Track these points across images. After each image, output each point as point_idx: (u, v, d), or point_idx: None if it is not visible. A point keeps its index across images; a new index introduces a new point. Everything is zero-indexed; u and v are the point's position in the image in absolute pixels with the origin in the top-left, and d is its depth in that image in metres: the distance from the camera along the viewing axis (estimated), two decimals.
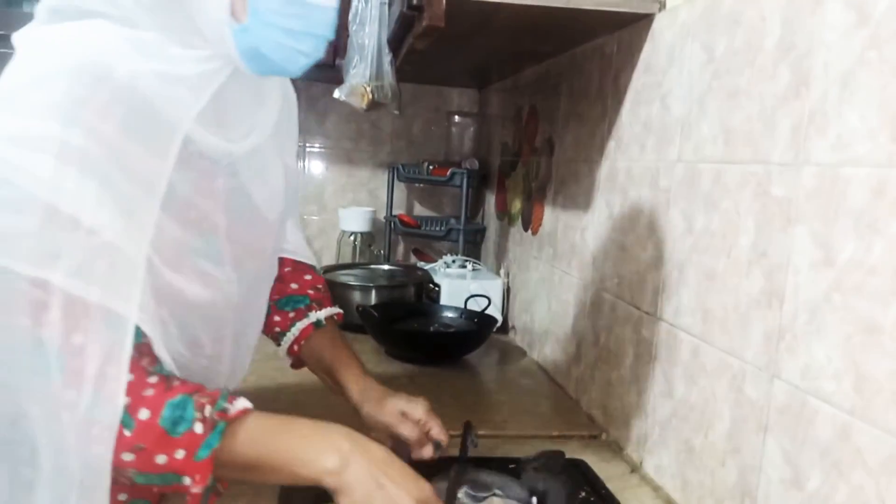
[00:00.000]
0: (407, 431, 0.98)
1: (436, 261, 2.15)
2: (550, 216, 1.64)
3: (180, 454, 0.68)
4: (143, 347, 0.72)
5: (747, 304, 0.87)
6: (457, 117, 2.42)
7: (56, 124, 0.67)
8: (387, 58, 1.47)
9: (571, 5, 1.09)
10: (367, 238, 2.33)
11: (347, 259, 2.30)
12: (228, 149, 0.80)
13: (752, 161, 0.87)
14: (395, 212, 2.37)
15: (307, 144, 2.43)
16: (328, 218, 2.45)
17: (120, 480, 0.70)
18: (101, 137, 0.68)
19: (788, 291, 0.79)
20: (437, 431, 1.00)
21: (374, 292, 1.86)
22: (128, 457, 0.68)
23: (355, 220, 2.30)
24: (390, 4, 1.42)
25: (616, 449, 1.21)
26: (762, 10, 0.86)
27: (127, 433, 0.67)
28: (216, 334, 0.84)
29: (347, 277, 1.96)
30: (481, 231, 2.31)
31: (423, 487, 0.75)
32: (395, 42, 1.41)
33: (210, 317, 0.82)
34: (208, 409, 0.70)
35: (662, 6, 1.12)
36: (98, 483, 0.67)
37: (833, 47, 0.74)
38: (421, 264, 2.22)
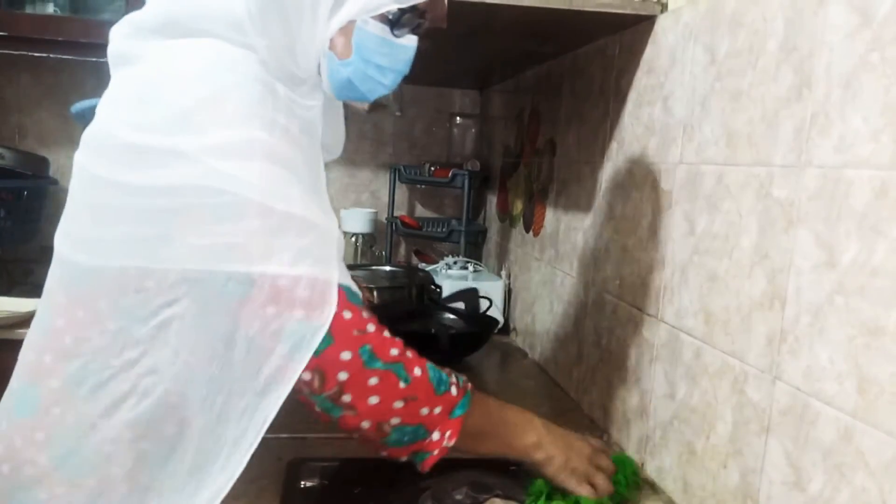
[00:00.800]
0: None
1: (437, 262, 2.15)
2: (552, 217, 1.64)
3: (438, 410, 0.83)
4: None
5: (749, 306, 0.87)
6: (458, 118, 2.42)
7: (258, 130, 0.75)
8: None
9: (573, 7, 1.09)
10: (369, 239, 2.32)
11: (349, 260, 2.30)
12: (326, 159, 0.94)
13: (755, 163, 0.86)
14: (397, 213, 2.38)
15: None
16: None
17: (367, 437, 0.82)
18: (291, 137, 0.79)
19: (791, 293, 0.79)
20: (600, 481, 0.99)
21: (375, 293, 1.86)
22: (398, 404, 0.80)
23: (357, 221, 2.30)
24: None
25: (617, 451, 1.21)
26: (765, 12, 0.86)
27: (402, 385, 0.80)
28: None
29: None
30: (483, 232, 2.31)
31: (594, 443, 0.99)
32: None
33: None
34: (454, 376, 0.87)
35: (664, 8, 1.12)
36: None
37: (836, 49, 0.74)
38: (422, 265, 2.22)
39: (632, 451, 1.17)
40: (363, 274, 2.03)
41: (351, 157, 2.45)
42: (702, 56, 1.00)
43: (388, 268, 2.14)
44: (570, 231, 1.51)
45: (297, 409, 1.22)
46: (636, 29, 1.20)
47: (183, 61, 0.78)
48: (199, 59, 0.78)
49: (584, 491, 0.92)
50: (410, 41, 0.85)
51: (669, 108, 1.09)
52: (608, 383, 1.28)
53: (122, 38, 0.81)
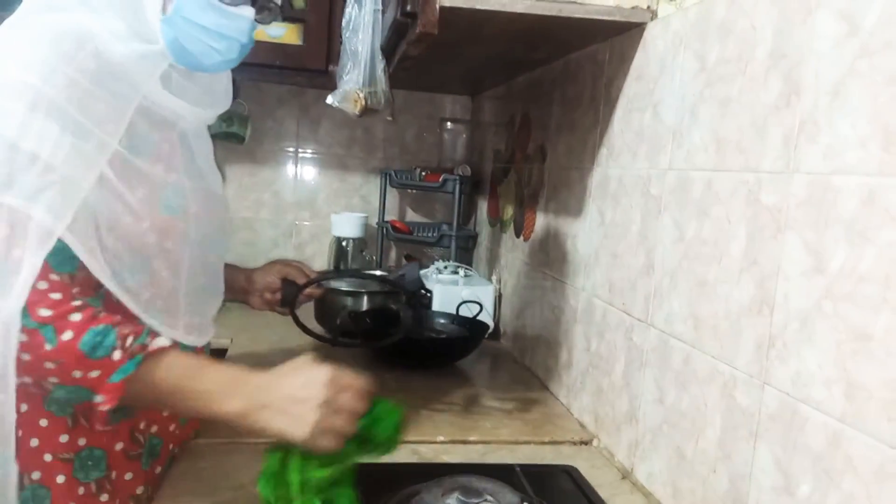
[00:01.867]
0: (293, 272, 1.38)
1: (428, 267, 2.15)
2: (542, 223, 1.64)
3: (94, 374, 0.81)
4: (78, 278, 0.86)
5: (738, 312, 0.87)
6: (449, 124, 2.42)
7: (35, 76, 0.82)
8: (380, 64, 1.47)
9: (564, 14, 1.10)
10: (360, 244, 2.32)
11: (340, 265, 2.29)
12: (185, 112, 0.98)
13: (744, 169, 0.87)
14: (388, 218, 2.37)
15: (300, 150, 2.43)
16: (320, 224, 2.45)
17: (44, 386, 0.84)
18: (75, 90, 0.84)
19: (779, 299, 0.79)
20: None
21: (365, 298, 1.85)
22: (49, 365, 0.81)
23: (347, 225, 2.29)
24: (384, 11, 1.42)
25: (607, 455, 1.22)
26: (754, 20, 0.87)
27: (48, 347, 0.80)
28: (174, 268, 0.98)
29: (339, 283, 1.95)
30: (473, 237, 2.31)
31: (311, 406, 0.81)
32: (389, 49, 1.41)
33: (167, 249, 0.96)
34: (130, 340, 0.84)
35: (654, 15, 1.13)
36: None
37: (824, 57, 0.75)
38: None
39: (621, 456, 1.17)
40: (353, 279, 2.03)
41: (342, 161, 2.45)
42: (691, 63, 1.01)
43: (378, 273, 2.14)
44: (561, 236, 1.51)
45: None
46: (626, 36, 1.21)
47: (16, 29, 0.89)
48: (27, 24, 0.88)
49: (322, 445, 0.81)
50: (245, 11, 0.94)
51: (659, 115, 1.09)
52: (598, 388, 1.28)
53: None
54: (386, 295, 1.91)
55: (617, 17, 1.12)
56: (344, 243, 2.30)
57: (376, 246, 2.36)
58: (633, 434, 1.13)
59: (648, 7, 1.12)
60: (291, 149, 2.42)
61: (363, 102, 1.48)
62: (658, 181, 1.09)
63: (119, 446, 0.97)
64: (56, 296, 0.82)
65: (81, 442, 0.94)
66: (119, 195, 0.88)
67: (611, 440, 1.22)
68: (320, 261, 2.42)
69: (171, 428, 1.07)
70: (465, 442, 1.23)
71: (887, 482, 0.64)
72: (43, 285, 0.82)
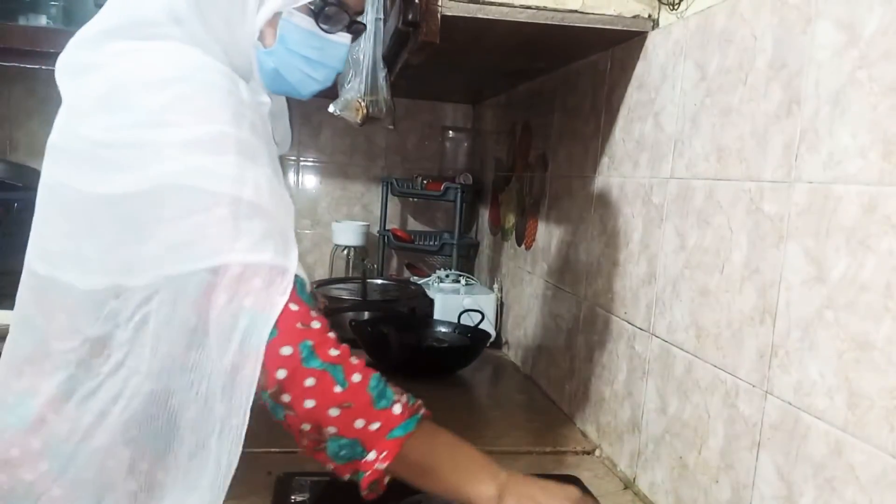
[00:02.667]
0: None
1: (429, 275, 2.15)
2: (544, 231, 1.64)
3: (375, 426, 0.75)
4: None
5: (740, 321, 0.87)
6: (451, 132, 2.43)
7: (226, 124, 0.76)
8: (382, 73, 1.47)
9: (565, 23, 1.10)
10: (361, 252, 2.32)
11: (340, 273, 2.29)
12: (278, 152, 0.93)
13: (745, 178, 0.87)
14: (389, 226, 2.38)
15: (301, 158, 2.43)
16: (322, 232, 2.45)
17: (314, 441, 0.77)
18: (257, 131, 0.80)
19: (781, 308, 0.79)
20: None
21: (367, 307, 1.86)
22: (334, 412, 0.74)
23: (349, 234, 2.30)
24: (385, 20, 1.43)
25: (610, 465, 1.21)
26: (754, 30, 0.87)
27: (338, 389, 0.74)
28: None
29: (340, 292, 1.96)
30: (475, 246, 2.31)
31: (571, 494, 0.82)
32: (391, 57, 1.42)
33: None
34: (406, 397, 0.79)
35: (655, 24, 1.13)
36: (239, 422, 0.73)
37: (824, 66, 0.75)
38: (414, 279, 2.22)
39: (624, 466, 1.17)
40: (355, 287, 2.03)
41: (343, 169, 2.46)
42: (692, 72, 1.01)
43: (379, 281, 2.14)
44: (562, 245, 1.51)
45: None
46: (627, 45, 1.21)
47: (146, 63, 0.79)
48: (163, 59, 0.79)
49: None
50: (342, 38, 0.89)
51: (660, 124, 1.09)
52: (600, 397, 1.28)
53: (74, 49, 0.82)
54: (386, 303, 1.92)
55: (618, 27, 1.13)
56: (345, 252, 2.30)
57: (377, 254, 2.36)
58: (636, 443, 1.13)
59: (649, 16, 1.12)
60: (293, 157, 2.43)
61: (365, 111, 1.49)
62: (659, 190, 1.09)
63: None
64: (333, 335, 0.77)
65: None
66: None
67: (613, 450, 1.22)
68: (322, 269, 2.42)
69: None
70: None
71: (889, 491, 0.64)
72: (317, 325, 0.76)
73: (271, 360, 0.73)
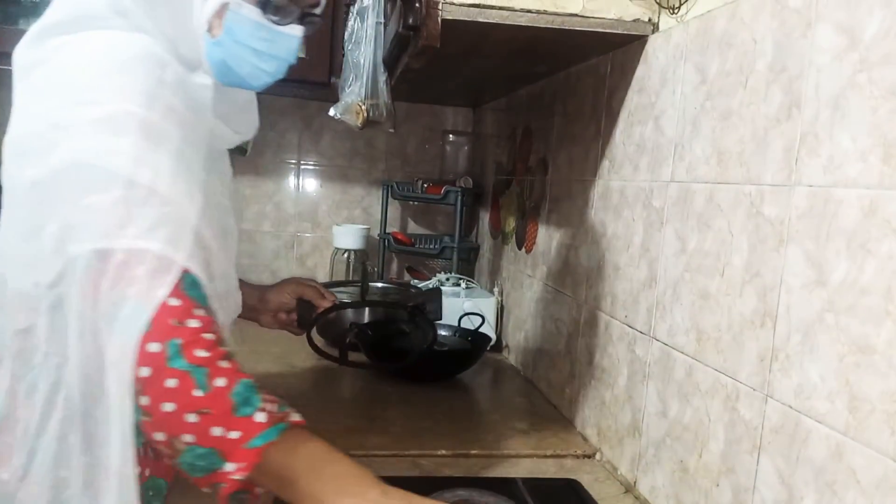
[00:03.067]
0: (310, 293, 1.34)
1: (430, 278, 2.15)
2: (544, 235, 1.64)
3: (234, 434, 0.70)
4: (215, 324, 0.76)
5: (741, 324, 0.87)
6: (451, 136, 2.43)
7: (138, 105, 0.76)
8: (382, 76, 1.47)
9: (566, 27, 1.10)
10: (361, 255, 2.32)
11: (341, 276, 2.29)
12: (232, 139, 0.95)
13: (745, 181, 0.87)
14: (389, 229, 2.38)
15: (302, 162, 2.44)
16: (322, 235, 2.45)
17: (161, 452, 0.73)
18: (175, 115, 0.79)
19: (781, 311, 0.79)
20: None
21: (367, 310, 1.85)
22: (191, 418, 0.69)
23: (349, 237, 2.30)
24: (386, 24, 1.43)
25: (610, 469, 1.21)
26: (754, 33, 0.87)
27: (198, 393, 0.69)
28: (225, 287, 0.91)
29: (341, 295, 1.95)
30: (475, 249, 2.31)
31: None
32: (391, 61, 1.42)
33: (221, 271, 0.88)
34: (274, 406, 0.73)
35: (656, 28, 1.13)
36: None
37: (824, 70, 0.75)
38: (415, 282, 2.22)
39: (624, 470, 1.17)
40: (355, 290, 2.03)
41: (344, 173, 2.46)
42: (692, 76, 1.01)
43: (380, 284, 2.14)
44: (563, 248, 1.51)
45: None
46: (627, 49, 1.21)
47: (80, 49, 0.80)
48: (89, 48, 0.80)
49: None
50: (294, 30, 0.88)
51: (660, 127, 1.10)
52: (601, 401, 1.28)
53: (23, 49, 0.83)
54: (386, 306, 1.91)
55: (618, 30, 1.13)
56: (345, 255, 2.30)
57: (378, 258, 2.36)
58: (636, 447, 1.13)
59: (650, 20, 1.13)
60: (293, 161, 2.43)
61: (365, 114, 1.49)
62: (660, 193, 1.09)
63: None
64: (209, 336, 0.73)
65: (146, 472, 0.85)
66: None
67: (613, 453, 1.22)
68: (322, 273, 2.42)
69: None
70: (466, 455, 1.23)
71: (890, 495, 0.64)
72: (195, 323, 0.72)
73: (140, 356, 0.69)
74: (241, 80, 0.88)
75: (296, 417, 0.76)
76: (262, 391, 0.74)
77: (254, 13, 0.84)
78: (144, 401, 0.69)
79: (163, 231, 0.73)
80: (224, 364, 0.72)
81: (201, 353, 0.70)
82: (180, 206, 0.76)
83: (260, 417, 0.71)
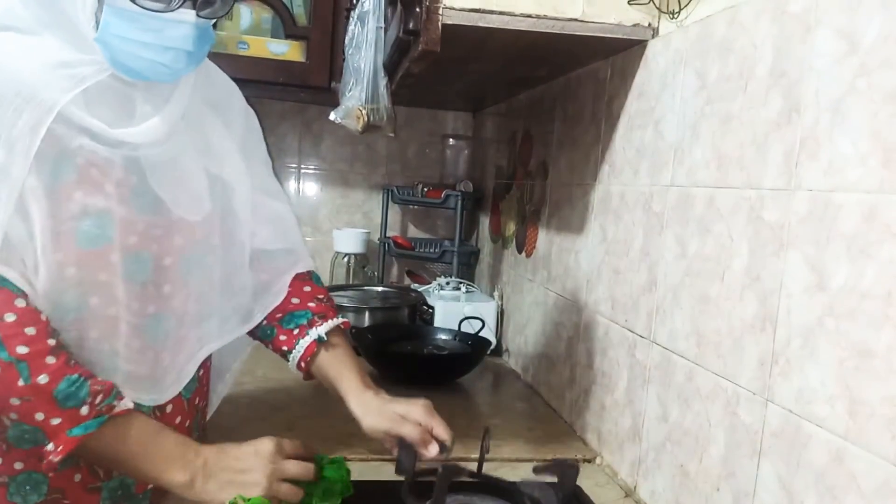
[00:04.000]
0: (407, 431, 0.98)
1: (430, 283, 2.15)
2: (544, 239, 1.65)
3: (56, 421, 0.78)
4: (36, 315, 0.81)
5: (741, 329, 0.87)
6: (451, 140, 2.43)
7: None
8: (382, 81, 1.48)
9: (566, 31, 1.10)
10: (361, 259, 2.32)
11: (341, 280, 2.29)
12: (115, 136, 0.86)
13: (745, 186, 0.87)
14: (390, 233, 2.38)
15: (302, 166, 2.44)
16: (322, 239, 2.45)
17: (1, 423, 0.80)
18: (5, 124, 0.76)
19: (782, 316, 0.79)
20: (440, 430, 1.00)
21: (367, 314, 1.85)
22: (15, 401, 0.78)
23: (349, 241, 2.30)
24: (386, 29, 1.43)
25: (610, 473, 1.21)
26: (754, 38, 0.87)
27: (21, 383, 0.77)
28: (110, 305, 0.88)
29: (341, 299, 1.95)
30: (475, 253, 2.31)
31: (262, 449, 0.87)
32: (391, 66, 1.42)
33: (100, 283, 0.87)
34: (100, 399, 0.81)
35: (655, 33, 1.13)
36: None
37: (824, 75, 0.75)
38: (415, 286, 2.22)
39: (625, 474, 1.17)
40: (355, 294, 2.03)
41: (344, 177, 2.46)
42: (692, 81, 1.01)
43: (380, 288, 2.14)
44: (563, 252, 1.51)
45: (287, 431, 1.21)
46: (627, 53, 1.21)
47: None
48: None
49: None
50: (184, 16, 0.83)
51: (660, 132, 1.10)
52: (601, 405, 1.28)
53: None
54: (386, 310, 1.92)
55: (618, 35, 1.13)
56: (346, 259, 2.30)
57: (378, 262, 2.37)
58: (637, 452, 1.13)
59: (650, 25, 1.13)
60: (294, 165, 2.43)
61: (365, 119, 1.49)
62: (660, 198, 1.09)
63: (77, 478, 0.90)
64: (31, 331, 0.79)
65: (18, 466, 0.87)
66: (27, 227, 0.81)
67: (614, 458, 1.21)
68: (322, 276, 2.42)
69: None
70: (466, 459, 1.23)
71: (890, 499, 0.64)
72: (11, 317, 0.78)
73: None
74: (141, 75, 0.85)
75: (123, 407, 0.83)
76: (92, 382, 0.81)
77: (127, 3, 0.80)
78: None
79: None
80: (49, 360, 0.79)
81: (21, 350, 0.77)
82: None
83: (83, 411, 0.79)
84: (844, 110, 0.72)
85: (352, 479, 0.95)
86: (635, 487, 1.13)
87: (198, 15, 0.84)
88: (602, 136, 1.32)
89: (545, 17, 1.08)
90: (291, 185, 2.44)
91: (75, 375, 0.80)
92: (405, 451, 0.97)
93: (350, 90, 1.50)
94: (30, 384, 0.77)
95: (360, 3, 1.53)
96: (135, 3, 0.80)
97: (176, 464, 0.84)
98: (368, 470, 1.14)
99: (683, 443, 0.99)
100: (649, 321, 1.10)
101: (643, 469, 1.11)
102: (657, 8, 1.11)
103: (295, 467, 0.89)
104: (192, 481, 0.84)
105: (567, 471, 0.95)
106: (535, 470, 0.95)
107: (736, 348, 0.88)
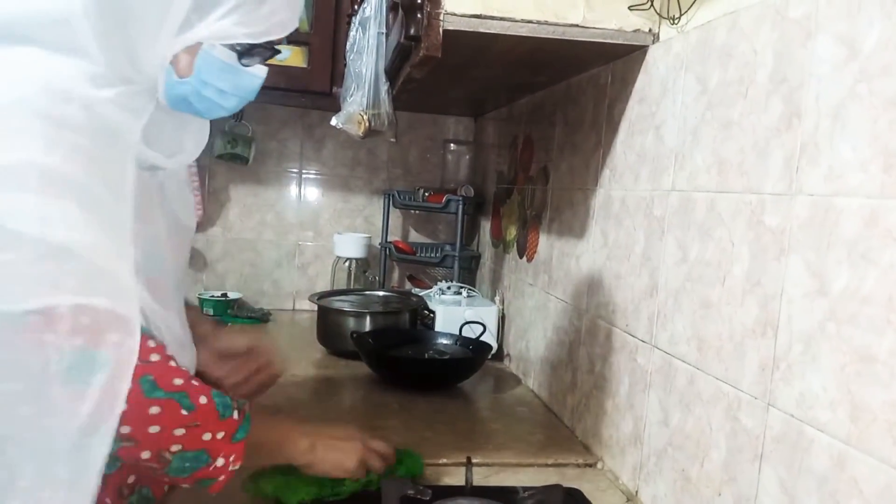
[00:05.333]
0: (221, 372, 1.08)
1: (431, 287, 2.15)
2: (545, 243, 1.65)
3: (221, 435, 0.81)
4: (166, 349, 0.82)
5: (742, 333, 0.87)
6: (452, 145, 2.43)
7: (36, 151, 0.69)
8: (384, 86, 1.48)
9: (566, 37, 1.11)
10: (363, 264, 2.33)
11: (342, 285, 2.29)
12: (165, 164, 0.88)
13: (746, 191, 0.88)
14: (391, 238, 2.38)
15: (304, 171, 2.44)
16: (323, 244, 2.46)
17: (149, 467, 0.79)
18: (80, 156, 0.72)
19: (783, 320, 0.80)
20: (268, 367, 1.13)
21: (368, 318, 1.86)
22: (179, 432, 0.78)
23: (350, 246, 2.30)
24: (387, 34, 1.44)
25: (612, 478, 1.21)
26: (754, 44, 0.88)
27: (185, 412, 0.78)
28: (166, 322, 0.90)
29: (342, 304, 1.96)
30: (476, 258, 2.32)
31: (368, 441, 1.04)
32: (393, 71, 1.43)
33: (158, 313, 0.87)
34: (236, 401, 0.85)
35: (656, 38, 1.14)
36: (90, 481, 0.71)
37: (824, 80, 0.75)
38: (416, 291, 2.22)
39: (626, 479, 1.17)
40: (356, 299, 2.03)
41: (345, 182, 2.47)
42: (693, 86, 1.01)
43: (381, 293, 2.15)
44: (564, 257, 1.51)
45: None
46: (628, 59, 1.22)
47: None
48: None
49: (357, 473, 1.01)
50: (259, 71, 0.88)
51: (661, 137, 1.10)
52: (602, 410, 1.28)
53: None
54: (388, 315, 1.92)
55: (619, 41, 1.13)
56: (347, 264, 2.31)
57: (379, 266, 2.37)
58: (638, 456, 1.13)
59: (650, 30, 1.13)
60: (295, 170, 2.44)
61: (367, 124, 1.50)
62: (661, 202, 1.09)
63: (107, 501, 0.89)
64: (174, 364, 0.80)
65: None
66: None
67: (615, 462, 1.21)
68: (323, 281, 2.42)
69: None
70: (462, 465, 1.23)
71: None
72: (155, 357, 0.79)
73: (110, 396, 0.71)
74: (197, 111, 0.87)
75: (247, 404, 0.88)
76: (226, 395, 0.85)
77: (224, 55, 0.83)
78: (125, 430, 0.74)
79: (90, 284, 0.71)
80: (195, 383, 0.81)
81: (177, 382, 0.79)
82: (102, 253, 0.72)
83: (236, 416, 0.84)
84: (845, 116, 0.72)
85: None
86: (636, 492, 1.13)
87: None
88: (603, 140, 1.32)
89: (546, 22, 1.09)
90: (293, 189, 2.44)
91: (215, 390, 0.84)
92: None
93: (351, 95, 1.51)
94: (194, 409, 0.79)
95: (361, 8, 1.53)
96: (240, 60, 0.84)
97: (294, 435, 0.97)
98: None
99: (685, 447, 0.99)
100: (650, 326, 1.10)
101: (644, 474, 1.11)
102: (658, 13, 1.11)
103: (381, 445, 1.06)
104: (312, 447, 0.97)
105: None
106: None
107: (737, 353, 0.88)
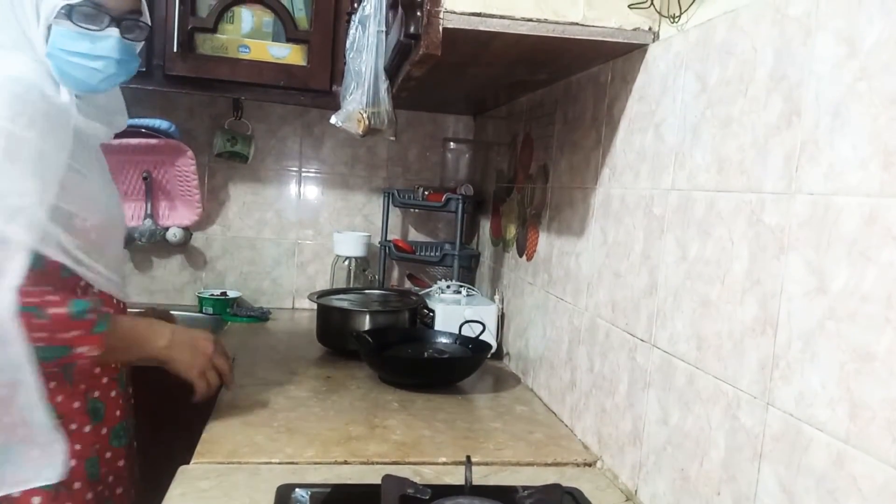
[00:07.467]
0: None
1: (430, 286, 2.15)
2: (545, 242, 1.65)
3: (76, 332, 1.04)
4: (48, 272, 1.06)
5: (741, 332, 0.87)
6: (452, 144, 2.43)
7: (3, 119, 0.97)
8: (383, 85, 1.48)
9: (566, 35, 1.11)
10: (362, 263, 2.33)
11: (342, 284, 2.29)
12: (107, 131, 1.20)
13: (746, 189, 0.87)
14: (390, 237, 2.38)
15: (303, 169, 2.44)
16: (323, 242, 2.46)
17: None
18: (35, 127, 1.00)
19: (782, 319, 0.79)
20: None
21: (368, 317, 1.85)
22: (40, 334, 0.99)
23: (350, 244, 2.30)
24: (387, 33, 1.44)
25: (611, 477, 1.21)
26: (754, 42, 0.88)
27: (39, 320, 0.99)
28: (115, 253, 1.23)
29: (342, 302, 1.96)
30: (476, 257, 2.32)
31: (206, 333, 1.28)
32: (392, 69, 1.43)
33: (105, 239, 1.17)
34: (94, 308, 1.07)
35: (656, 36, 1.14)
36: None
37: (824, 78, 0.75)
38: (415, 289, 2.22)
39: (625, 478, 1.17)
40: (356, 298, 2.03)
41: (345, 180, 2.46)
42: (693, 84, 1.01)
43: (380, 291, 2.14)
44: (564, 256, 1.51)
45: (287, 434, 1.21)
46: (628, 57, 1.22)
47: None
48: None
49: (200, 384, 1.23)
50: (110, 31, 1.11)
51: (661, 135, 1.10)
52: (601, 409, 1.28)
53: None
54: (387, 314, 1.91)
55: (619, 39, 1.13)
56: (346, 262, 2.30)
57: (378, 265, 2.37)
58: (637, 455, 1.13)
59: (650, 29, 1.13)
60: (295, 168, 2.44)
61: (366, 122, 1.49)
62: (660, 201, 1.09)
63: (76, 405, 1.15)
64: (34, 289, 1.00)
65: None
66: (68, 207, 1.07)
67: (614, 461, 1.21)
68: (323, 280, 2.42)
69: (112, 394, 1.23)
70: (462, 463, 1.22)
71: (891, 502, 0.64)
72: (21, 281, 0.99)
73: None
74: (83, 82, 1.11)
75: (104, 307, 1.10)
76: (90, 303, 1.07)
77: (67, 25, 1.07)
78: None
79: (20, 219, 0.98)
80: (52, 298, 1.02)
81: (29, 299, 0.98)
82: (35, 200, 1.00)
83: (91, 317, 1.05)
84: (845, 114, 0.72)
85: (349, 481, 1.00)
86: (636, 491, 1.13)
87: (123, 37, 1.12)
88: (603, 139, 1.32)
89: (546, 20, 1.09)
90: (292, 188, 2.44)
91: (78, 300, 1.05)
92: None
93: (351, 94, 1.51)
94: (49, 318, 1.01)
95: (361, 6, 1.53)
96: (75, 24, 1.07)
97: (156, 334, 1.19)
98: (370, 473, 1.14)
99: (684, 446, 0.99)
100: (650, 324, 1.10)
101: (644, 473, 1.10)
102: (657, 12, 1.11)
103: (224, 365, 1.28)
104: (169, 345, 1.19)
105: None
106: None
107: (736, 352, 0.88)
